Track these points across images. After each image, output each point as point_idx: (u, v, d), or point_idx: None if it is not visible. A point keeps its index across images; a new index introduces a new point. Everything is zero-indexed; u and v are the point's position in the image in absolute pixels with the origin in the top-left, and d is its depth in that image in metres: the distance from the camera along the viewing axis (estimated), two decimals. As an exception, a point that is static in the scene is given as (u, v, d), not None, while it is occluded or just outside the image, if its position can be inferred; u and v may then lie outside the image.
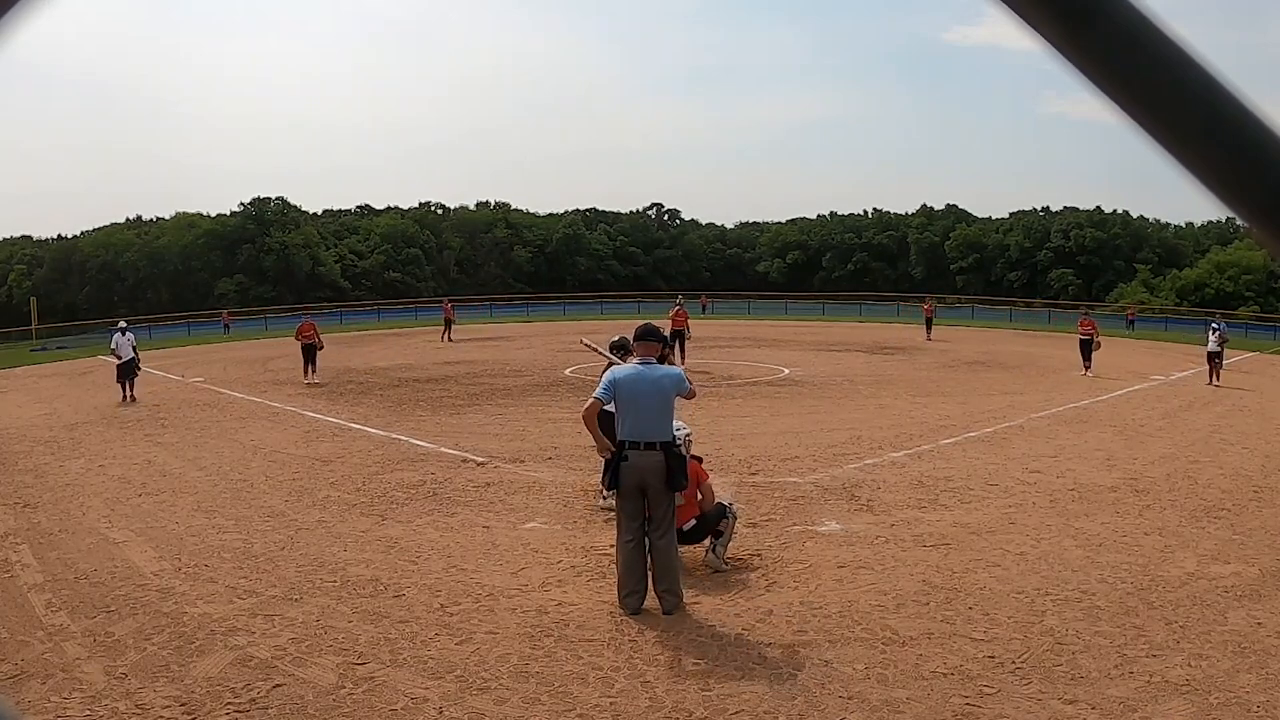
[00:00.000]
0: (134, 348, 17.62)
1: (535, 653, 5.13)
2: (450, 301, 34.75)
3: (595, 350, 8.63)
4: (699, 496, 6.67)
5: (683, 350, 21.31)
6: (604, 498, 6.73)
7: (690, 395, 6.04)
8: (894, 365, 22.83)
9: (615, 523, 6.09)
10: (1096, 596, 6.02)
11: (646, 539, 5.86)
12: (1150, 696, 4.56)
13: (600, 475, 6.34)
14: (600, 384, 6.01)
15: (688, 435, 6.78)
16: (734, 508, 6.90)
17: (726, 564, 6.55)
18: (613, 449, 5.89)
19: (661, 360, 6.19)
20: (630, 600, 5.79)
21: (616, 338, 8.56)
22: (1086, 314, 22.01)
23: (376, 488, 9.36)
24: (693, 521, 6.54)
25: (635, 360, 6.09)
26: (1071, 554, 6.96)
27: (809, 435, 12.32)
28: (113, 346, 17.59)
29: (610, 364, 8.42)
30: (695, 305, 47.64)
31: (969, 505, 8.55)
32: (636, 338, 6.22)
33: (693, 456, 6.87)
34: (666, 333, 21.64)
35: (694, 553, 6.62)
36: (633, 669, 4.93)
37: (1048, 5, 0.39)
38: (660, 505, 5.87)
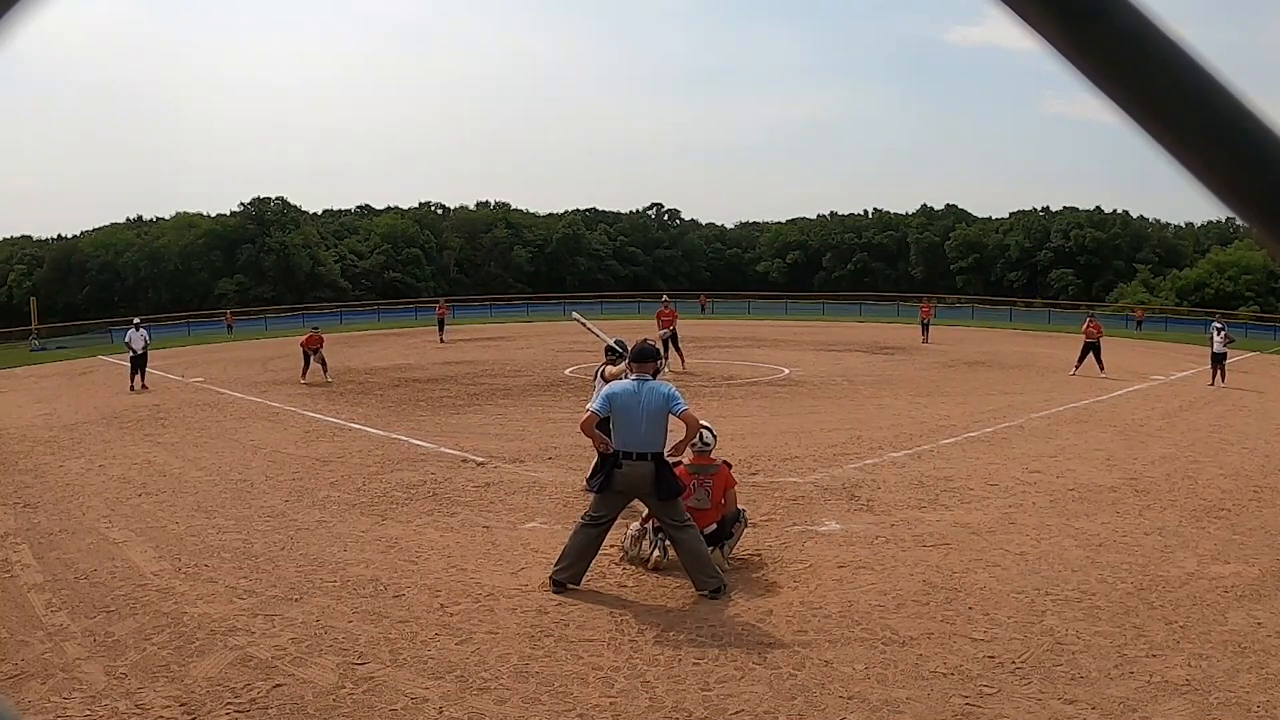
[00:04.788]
0: (146, 342, 19.25)
1: (535, 653, 5.14)
2: (445, 301, 34.72)
3: (587, 327, 9.00)
4: (723, 501, 6.76)
5: (679, 349, 21.10)
6: (629, 542, 6.89)
7: (684, 416, 6.09)
8: (894, 365, 22.83)
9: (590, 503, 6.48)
10: (1096, 596, 6.02)
11: (605, 535, 6.35)
12: (1150, 696, 4.57)
13: (591, 478, 6.41)
14: (597, 398, 6.39)
15: (709, 441, 6.86)
16: (745, 513, 6.97)
17: (729, 565, 6.57)
18: (611, 447, 6.18)
19: (655, 375, 6.43)
20: (559, 575, 6.14)
21: (612, 340, 8.65)
22: (1093, 316, 21.88)
23: (376, 488, 9.36)
24: (714, 526, 6.64)
25: (632, 377, 6.36)
26: (1071, 554, 6.96)
27: (809, 435, 12.32)
28: (126, 340, 19.32)
29: (602, 366, 8.65)
30: (695, 305, 47.70)
31: (969, 505, 8.55)
32: (634, 357, 6.53)
33: (724, 462, 6.93)
34: (661, 331, 21.22)
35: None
36: (633, 669, 4.94)
37: (1048, 5, 0.39)
38: (665, 512, 6.18)
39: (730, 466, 7.07)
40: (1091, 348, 20.10)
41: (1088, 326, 20.65)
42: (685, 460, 6.74)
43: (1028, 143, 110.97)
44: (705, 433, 6.83)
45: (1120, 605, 5.86)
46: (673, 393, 6.19)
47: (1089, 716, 4.36)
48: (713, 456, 6.90)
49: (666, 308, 21.71)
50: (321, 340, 20.02)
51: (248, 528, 7.86)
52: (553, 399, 16.23)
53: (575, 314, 10.65)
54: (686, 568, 6.19)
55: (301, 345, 20.09)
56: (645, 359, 6.43)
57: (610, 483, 6.14)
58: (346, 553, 7.10)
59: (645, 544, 6.78)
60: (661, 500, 6.12)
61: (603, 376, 8.60)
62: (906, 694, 4.60)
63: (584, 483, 8.25)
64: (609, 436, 6.23)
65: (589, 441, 6.49)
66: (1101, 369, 19.63)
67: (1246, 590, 6.15)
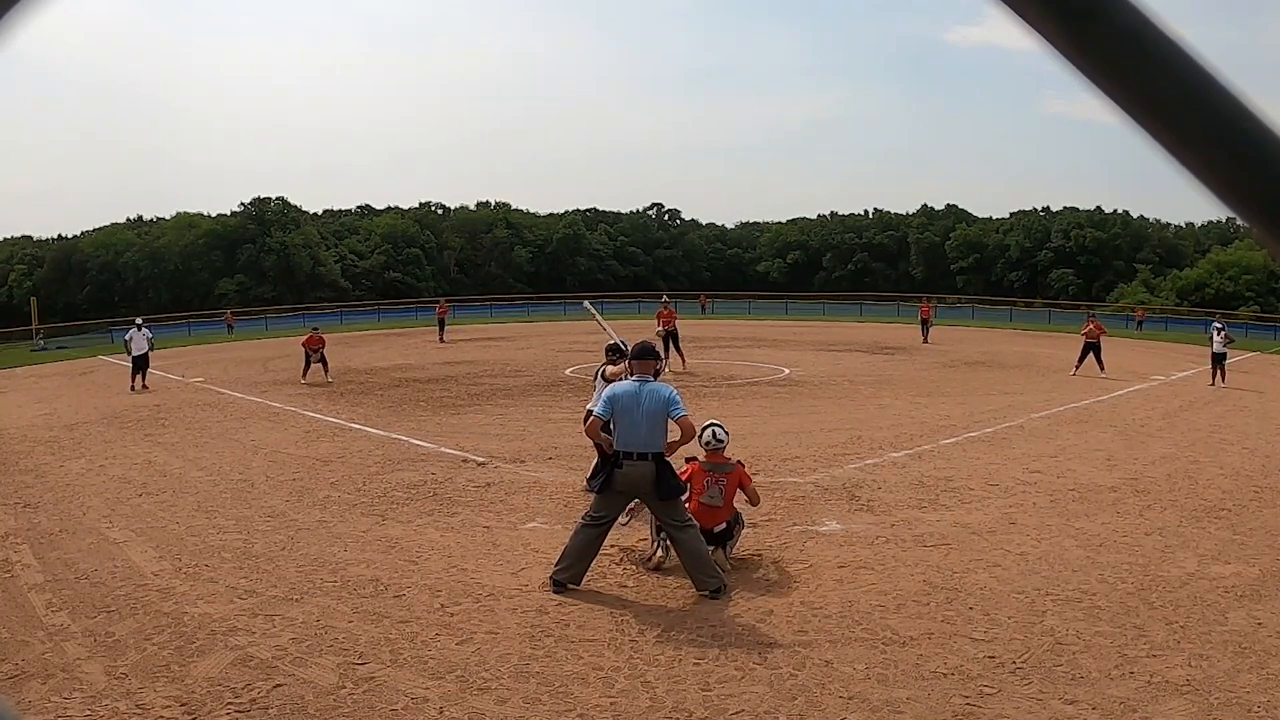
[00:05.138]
0: (150, 342, 19.22)
1: (536, 653, 5.14)
2: (445, 301, 34.78)
3: (597, 319, 9.06)
4: (741, 498, 6.81)
5: (679, 350, 21.12)
6: (623, 513, 6.92)
7: (681, 422, 6.09)
8: (894, 365, 22.82)
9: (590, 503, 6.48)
10: (1097, 596, 6.02)
11: (606, 535, 6.36)
12: (1151, 697, 4.57)
13: (591, 478, 6.40)
14: (599, 401, 6.43)
15: (722, 439, 6.84)
16: (743, 514, 6.98)
17: (730, 565, 6.57)
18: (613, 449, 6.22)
19: (655, 375, 6.45)
20: (560, 575, 6.14)
21: (617, 339, 8.66)
22: (1093, 316, 21.83)
23: (377, 488, 9.36)
24: (723, 525, 6.65)
25: (633, 377, 6.37)
26: (1072, 554, 6.96)
27: (809, 435, 12.32)
28: (125, 339, 19.34)
29: (602, 366, 8.67)
30: (695, 305, 47.66)
31: (969, 505, 8.55)
32: (634, 356, 6.55)
33: (738, 462, 6.94)
34: (659, 330, 21.24)
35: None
36: (633, 669, 4.94)
37: (1048, 5, 0.39)
38: (665, 512, 6.19)
39: (744, 465, 7.07)
40: (1092, 348, 20.09)
41: (1088, 327, 20.64)
42: (700, 458, 6.76)
43: (1028, 143, 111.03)
44: (718, 430, 6.85)
45: (1121, 605, 5.86)
46: (673, 396, 6.19)
47: (1089, 717, 4.36)
48: (726, 455, 6.90)
49: (666, 308, 21.76)
50: (322, 341, 20.06)
51: (248, 528, 7.86)
52: (553, 399, 16.23)
53: (587, 303, 10.66)
54: (687, 568, 6.19)
55: (302, 345, 20.15)
56: (645, 359, 6.45)
57: (611, 483, 6.14)
58: (347, 553, 7.10)
59: (639, 519, 6.79)
60: (662, 500, 6.12)
61: (603, 376, 8.61)
62: (907, 694, 4.60)
63: (584, 483, 8.26)
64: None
65: (589, 441, 6.49)
66: (1102, 369, 19.63)
67: (1247, 590, 6.15)
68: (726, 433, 6.94)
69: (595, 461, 6.82)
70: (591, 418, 6.43)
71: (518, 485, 9.37)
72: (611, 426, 6.22)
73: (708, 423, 6.86)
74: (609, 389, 6.49)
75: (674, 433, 6.19)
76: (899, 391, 17.34)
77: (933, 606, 5.85)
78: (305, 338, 20.37)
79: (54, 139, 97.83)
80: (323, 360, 19.68)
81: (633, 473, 6.07)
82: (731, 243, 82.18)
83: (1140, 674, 4.83)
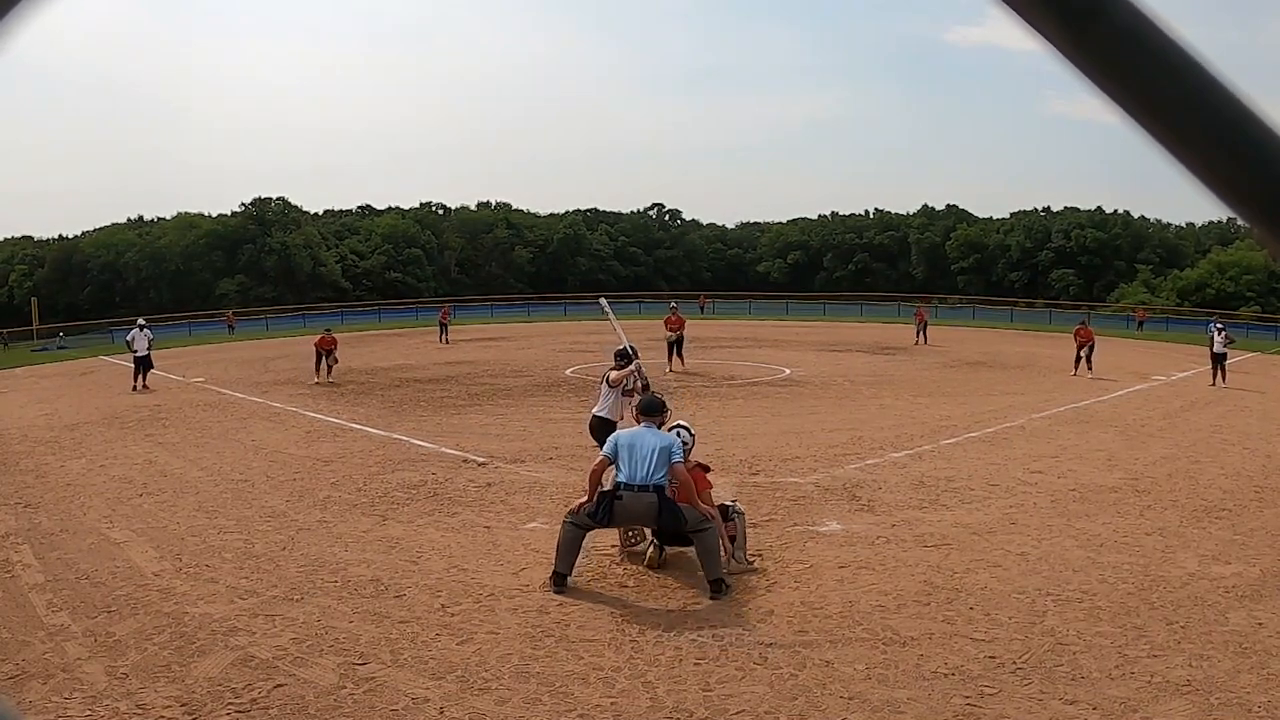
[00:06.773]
0: (149, 343, 19.26)
1: (536, 653, 5.14)
2: (449, 305, 34.81)
3: (611, 320, 9.07)
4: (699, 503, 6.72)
5: (681, 353, 21.17)
6: (632, 541, 6.95)
7: (677, 468, 6.21)
8: (895, 365, 22.82)
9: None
10: (1097, 597, 6.02)
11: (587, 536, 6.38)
12: (1151, 697, 4.56)
13: (591, 505, 6.27)
14: (607, 443, 6.52)
15: (687, 440, 6.79)
16: (738, 505, 6.93)
17: (750, 562, 6.57)
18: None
19: (660, 426, 6.58)
20: (557, 569, 6.17)
21: (621, 346, 8.65)
22: (1083, 322, 21.79)
23: (377, 488, 9.36)
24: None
25: (640, 426, 6.48)
26: (1073, 554, 6.96)
27: (810, 435, 12.32)
28: (128, 339, 19.40)
29: (608, 371, 8.68)
30: (694, 306, 47.64)
31: (970, 505, 8.54)
32: (642, 410, 6.68)
33: (699, 465, 6.90)
34: (667, 334, 21.21)
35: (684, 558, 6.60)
36: (634, 669, 4.94)
37: (1049, 5, 0.39)
38: (679, 533, 6.23)
39: (708, 470, 6.94)
40: (1085, 349, 20.11)
41: (1078, 331, 20.58)
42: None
43: (1028, 143, 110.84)
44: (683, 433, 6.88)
45: (1121, 605, 5.86)
46: (678, 443, 6.29)
47: (1090, 717, 4.36)
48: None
49: (674, 314, 21.68)
50: (334, 341, 20.12)
51: (249, 528, 7.86)
52: (554, 399, 16.24)
53: (603, 301, 10.58)
54: (699, 558, 6.20)
55: (315, 345, 20.28)
56: (652, 413, 6.57)
57: (612, 516, 6.19)
58: (347, 553, 7.10)
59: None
60: (665, 530, 6.21)
61: (607, 381, 8.63)
62: (907, 694, 4.60)
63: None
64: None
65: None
66: (1090, 369, 19.61)
67: (1248, 590, 6.15)
68: (685, 439, 6.92)
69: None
70: (599, 458, 6.45)
71: (518, 485, 9.37)
72: (616, 464, 6.27)
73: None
74: (615, 433, 6.61)
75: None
76: (899, 392, 17.34)
77: (933, 607, 5.85)
78: (318, 338, 20.45)
79: (54, 139, 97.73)
80: (332, 361, 19.72)
81: (633, 503, 6.13)
82: (732, 243, 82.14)
83: (1141, 674, 4.82)
